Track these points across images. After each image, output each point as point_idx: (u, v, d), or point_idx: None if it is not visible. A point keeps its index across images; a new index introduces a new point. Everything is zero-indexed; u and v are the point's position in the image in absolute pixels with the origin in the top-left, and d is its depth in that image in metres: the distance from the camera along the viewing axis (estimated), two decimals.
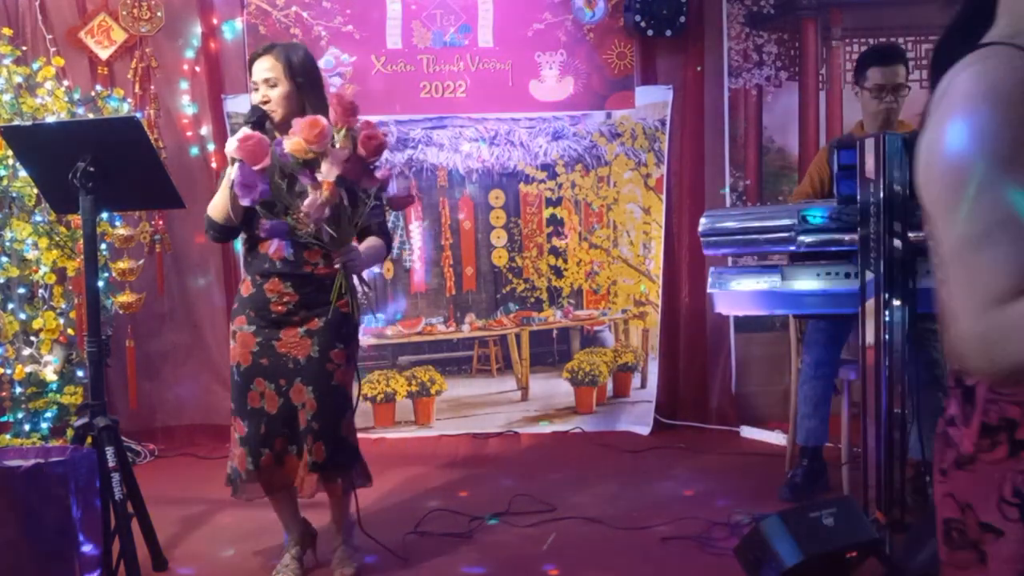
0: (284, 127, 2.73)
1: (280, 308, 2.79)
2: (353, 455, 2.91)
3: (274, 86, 2.76)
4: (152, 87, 4.61)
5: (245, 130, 2.66)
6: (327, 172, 2.52)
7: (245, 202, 2.59)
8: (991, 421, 1.14)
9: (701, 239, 3.19)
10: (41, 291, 4.16)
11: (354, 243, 2.74)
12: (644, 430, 4.78)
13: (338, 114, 2.57)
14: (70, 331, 4.20)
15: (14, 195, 4.04)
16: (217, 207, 2.84)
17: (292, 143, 2.51)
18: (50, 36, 4.50)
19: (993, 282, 1.03)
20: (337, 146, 2.55)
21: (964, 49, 1.12)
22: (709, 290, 3.17)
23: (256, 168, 2.53)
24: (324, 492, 2.89)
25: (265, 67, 2.77)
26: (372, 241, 2.85)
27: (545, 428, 4.83)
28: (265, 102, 2.77)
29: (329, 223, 2.58)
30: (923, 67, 4.73)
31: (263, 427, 2.83)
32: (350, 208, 2.63)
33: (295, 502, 3.00)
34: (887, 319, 2.68)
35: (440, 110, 4.78)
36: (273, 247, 2.77)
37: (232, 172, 2.66)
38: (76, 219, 3.87)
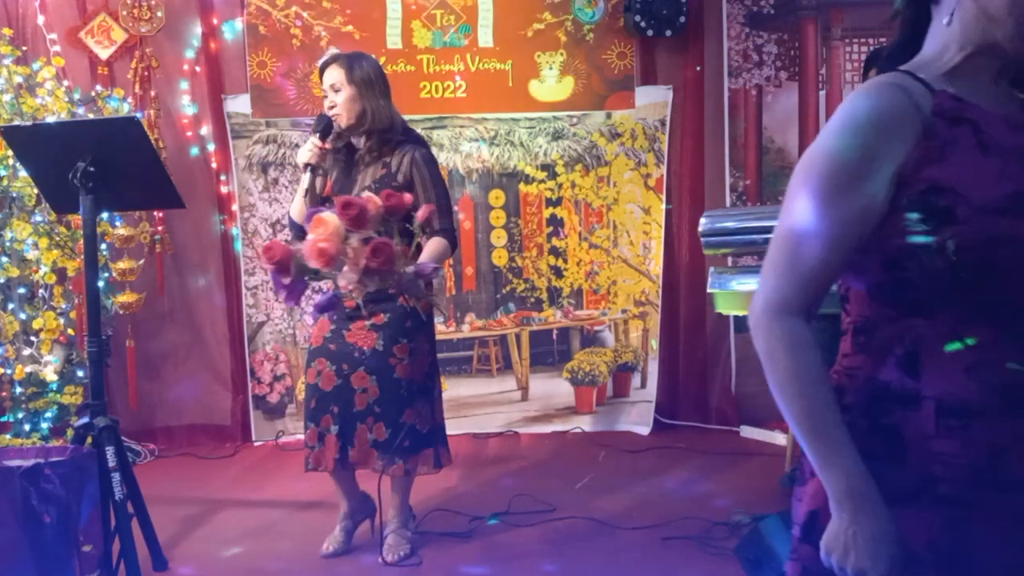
0: (352, 130, 3.00)
1: (350, 303, 2.91)
2: (420, 442, 3.02)
3: (338, 91, 2.98)
4: (152, 87, 4.61)
5: (311, 144, 2.92)
6: (347, 279, 2.48)
7: (291, 304, 2.64)
8: None
9: (701, 239, 3.20)
10: (41, 291, 4.16)
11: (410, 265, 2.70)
12: (644, 430, 4.78)
13: (346, 220, 2.48)
14: (70, 331, 4.20)
15: (14, 195, 4.04)
16: (295, 212, 3.07)
17: (308, 252, 2.43)
18: (50, 36, 4.51)
19: (784, 283, 1.21)
20: (350, 252, 2.46)
21: (886, 68, 1.25)
22: (709, 290, 3.17)
23: (286, 279, 2.50)
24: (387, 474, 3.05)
25: (331, 75, 3.00)
26: (433, 247, 2.91)
27: (545, 428, 4.84)
28: (332, 107, 2.98)
29: (375, 278, 2.54)
30: None
31: (314, 402, 3.02)
32: (401, 244, 2.58)
33: (351, 476, 3.15)
34: None
35: (440, 110, 4.78)
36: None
37: (305, 181, 2.95)
38: (76, 219, 3.87)
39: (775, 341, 1.22)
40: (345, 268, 2.47)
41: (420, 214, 2.69)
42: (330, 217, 2.45)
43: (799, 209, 1.21)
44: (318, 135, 2.96)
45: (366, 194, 2.63)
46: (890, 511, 1.16)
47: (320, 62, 3.08)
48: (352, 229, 2.46)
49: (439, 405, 3.16)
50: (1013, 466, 1.14)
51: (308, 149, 2.96)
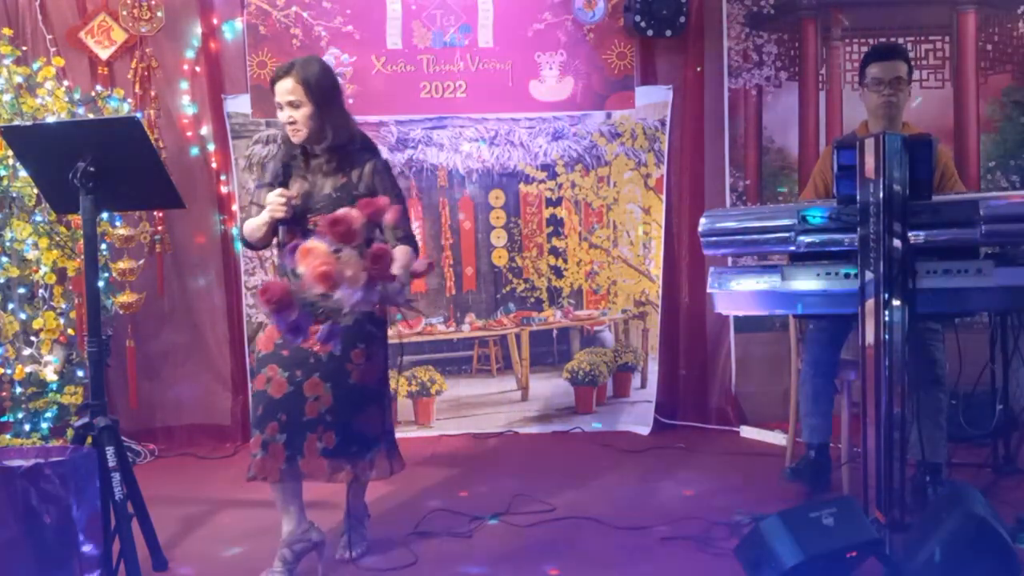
0: (311, 141, 2.94)
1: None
2: (370, 446, 2.97)
3: (297, 107, 2.89)
4: (152, 87, 4.61)
5: (277, 199, 2.86)
6: (346, 300, 2.45)
7: (298, 340, 2.59)
8: None
9: (701, 239, 3.19)
10: (41, 291, 4.16)
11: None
12: (644, 430, 4.78)
13: (337, 238, 2.46)
14: (70, 331, 4.20)
15: (14, 195, 4.04)
16: (251, 234, 3.01)
17: (310, 280, 2.43)
18: (50, 36, 4.51)
19: None
20: (348, 272, 2.45)
21: None
22: (709, 290, 3.17)
23: (290, 317, 2.48)
24: (340, 482, 2.99)
25: (287, 88, 2.89)
26: (403, 254, 2.82)
27: (545, 428, 4.84)
28: (291, 122, 2.91)
29: (377, 289, 2.54)
30: (923, 67, 4.74)
31: (261, 408, 2.91)
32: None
33: (297, 493, 2.96)
34: (887, 319, 2.68)
35: (440, 110, 4.78)
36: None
37: (268, 210, 2.88)
38: (76, 219, 3.87)
39: None
40: (344, 289, 2.44)
41: (388, 217, 2.64)
42: (316, 243, 2.44)
43: None
44: (279, 187, 2.90)
45: (343, 210, 2.54)
46: None
47: (274, 73, 2.95)
48: (341, 246, 2.44)
49: (390, 412, 3.12)
50: None
51: (277, 204, 2.86)
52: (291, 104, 2.89)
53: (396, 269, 2.64)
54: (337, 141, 2.93)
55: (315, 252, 2.43)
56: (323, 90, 2.90)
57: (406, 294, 2.73)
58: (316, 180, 2.97)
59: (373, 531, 3.28)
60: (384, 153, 4.71)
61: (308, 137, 2.93)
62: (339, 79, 3.02)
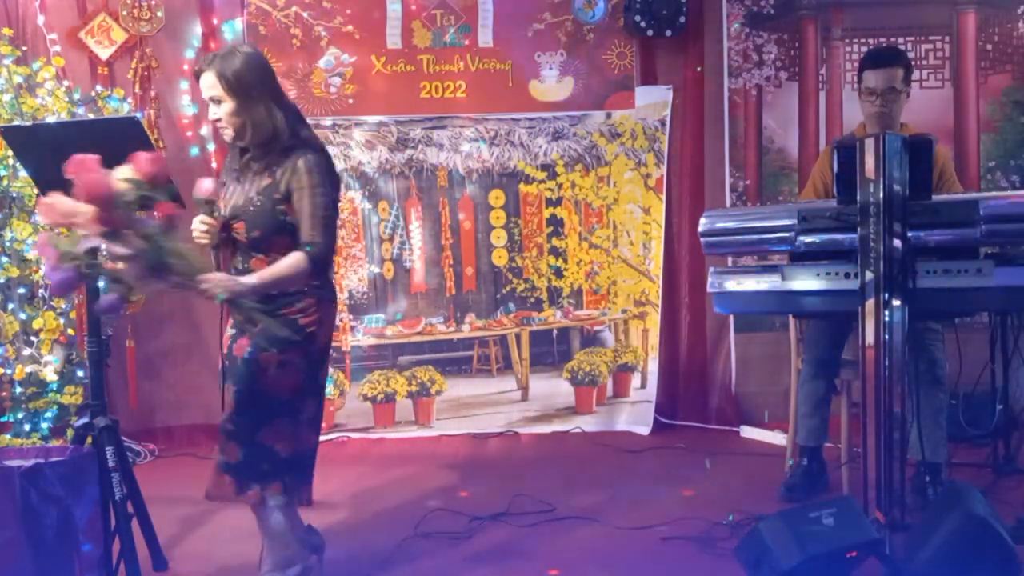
0: (239, 140, 2.65)
1: (238, 316, 2.69)
2: (281, 467, 2.62)
3: (219, 103, 2.62)
4: (152, 87, 4.61)
5: (200, 226, 2.61)
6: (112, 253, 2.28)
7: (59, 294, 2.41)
8: None
9: (701, 239, 3.19)
10: (41, 291, 4.16)
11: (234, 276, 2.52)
12: (644, 430, 4.78)
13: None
14: (70, 331, 4.20)
15: (14, 195, 4.04)
16: None
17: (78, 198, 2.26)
18: (50, 36, 4.50)
19: None
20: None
21: None
22: (709, 290, 3.17)
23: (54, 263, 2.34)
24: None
25: (208, 83, 2.62)
26: (280, 264, 2.56)
27: (545, 428, 4.84)
28: (216, 120, 2.65)
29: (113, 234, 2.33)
30: (923, 67, 4.74)
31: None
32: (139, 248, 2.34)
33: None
34: (887, 319, 2.68)
35: (440, 110, 4.78)
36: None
37: (194, 236, 2.63)
38: None
39: None
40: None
41: (161, 212, 2.40)
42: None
43: None
44: (202, 214, 2.64)
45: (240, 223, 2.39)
46: None
47: (196, 68, 2.70)
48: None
49: (309, 432, 2.69)
50: None
51: (198, 232, 2.60)
52: (213, 100, 2.63)
53: (263, 275, 2.50)
54: (258, 139, 2.62)
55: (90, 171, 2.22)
56: (244, 84, 2.60)
57: (243, 303, 2.48)
58: (247, 183, 2.67)
59: (373, 531, 3.27)
60: (383, 153, 4.76)
61: (235, 135, 2.65)
62: (269, 70, 2.68)
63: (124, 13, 4.55)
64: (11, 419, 4.12)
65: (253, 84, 2.61)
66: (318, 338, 2.65)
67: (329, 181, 2.62)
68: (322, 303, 2.64)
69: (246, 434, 2.61)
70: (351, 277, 4.80)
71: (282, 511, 2.66)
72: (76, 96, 4.29)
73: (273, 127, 2.61)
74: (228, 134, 2.66)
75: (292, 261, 2.54)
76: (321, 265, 2.61)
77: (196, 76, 2.67)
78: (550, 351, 4.93)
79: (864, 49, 4.67)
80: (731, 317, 4.74)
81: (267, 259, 2.58)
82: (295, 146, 2.62)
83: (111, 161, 2.75)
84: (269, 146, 2.62)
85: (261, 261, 2.60)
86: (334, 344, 4.67)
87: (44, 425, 4.15)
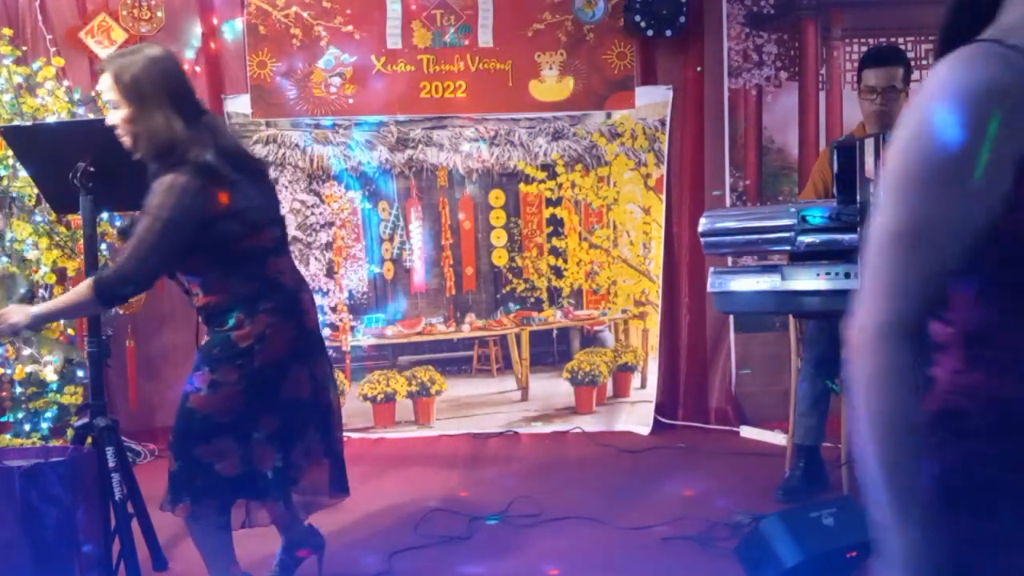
0: (136, 151, 2.46)
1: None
2: (220, 486, 2.50)
3: (116, 108, 2.44)
4: None
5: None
6: None
7: None
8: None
9: (701, 239, 3.19)
10: (41, 291, 4.16)
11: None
12: (644, 430, 4.78)
13: None
14: (70, 331, 4.20)
15: (14, 195, 4.04)
16: None
17: None
18: (50, 36, 4.50)
19: (898, 297, 1.04)
20: None
21: (962, 42, 1.07)
22: (709, 290, 3.17)
23: None
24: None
25: (105, 85, 2.43)
26: (68, 294, 2.49)
27: (543, 428, 4.84)
28: (114, 127, 2.45)
29: None
30: (923, 67, 4.73)
31: None
32: None
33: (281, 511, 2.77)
34: None
35: (440, 110, 4.78)
36: None
37: None
38: (76, 219, 3.86)
39: (881, 370, 1.06)
40: None
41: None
42: None
43: (903, 207, 1.03)
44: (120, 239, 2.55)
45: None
46: None
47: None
48: None
49: (269, 450, 2.53)
50: None
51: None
52: (111, 104, 2.43)
53: (51, 304, 2.43)
54: (152, 151, 2.42)
55: None
56: (141, 90, 2.39)
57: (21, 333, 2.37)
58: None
59: (373, 531, 3.28)
60: (383, 153, 4.76)
61: (132, 145, 2.44)
62: (175, 76, 2.46)
63: (124, 13, 4.55)
64: (11, 419, 4.12)
65: (152, 90, 2.40)
66: (256, 355, 2.46)
67: (187, 205, 2.36)
68: (258, 318, 2.47)
69: (182, 448, 2.51)
70: (351, 277, 4.80)
71: (215, 530, 2.57)
72: (76, 96, 4.29)
73: (169, 140, 2.38)
74: (127, 143, 2.46)
75: (78, 289, 2.45)
76: (109, 295, 2.43)
77: (99, 75, 2.51)
78: (550, 351, 4.93)
79: (864, 49, 4.66)
80: (731, 317, 4.74)
81: (198, 282, 2.53)
82: (179, 164, 2.38)
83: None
84: (163, 160, 2.40)
85: (194, 284, 2.55)
86: (334, 344, 4.70)
87: (44, 425, 4.15)
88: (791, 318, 3.87)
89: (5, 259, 4.03)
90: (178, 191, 2.35)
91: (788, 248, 3.03)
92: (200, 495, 2.49)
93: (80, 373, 4.19)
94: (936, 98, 1.02)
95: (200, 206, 2.38)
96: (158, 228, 2.36)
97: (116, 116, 2.44)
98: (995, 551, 1.05)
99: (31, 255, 4.02)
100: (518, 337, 4.90)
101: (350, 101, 4.74)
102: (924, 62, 4.76)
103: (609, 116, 4.84)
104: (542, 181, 4.85)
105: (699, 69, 4.82)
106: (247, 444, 2.50)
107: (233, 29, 4.70)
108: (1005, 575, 1.04)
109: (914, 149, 1.03)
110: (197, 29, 4.67)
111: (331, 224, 4.77)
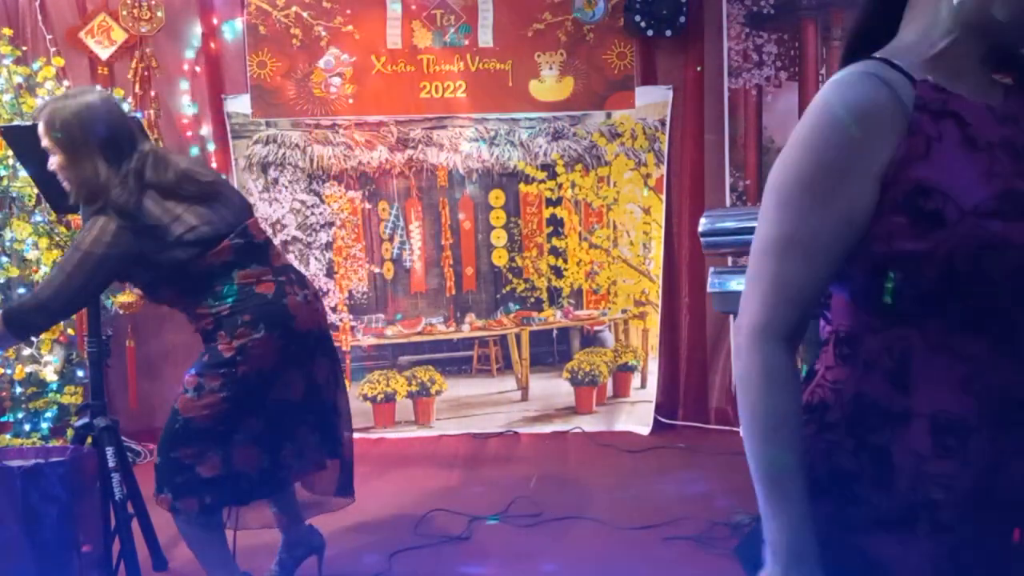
0: (74, 198, 2.49)
1: None
2: (201, 487, 2.50)
3: (53, 155, 2.47)
4: (152, 87, 4.61)
5: None
6: None
7: None
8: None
9: (701, 239, 3.19)
10: None
11: None
12: (644, 430, 4.78)
13: None
14: (70, 331, 4.20)
15: (14, 195, 4.04)
16: None
17: None
18: (50, 36, 4.51)
19: (770, 303, 1.12)
20: None
21: (863, 51, 1.15)
22: (709, 290, 3.17)
23: None
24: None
25: (40, 132, 2.47)
26: None
27: (545, 428, 4.84)
28: (54, 172, 2.49)
29: None
30: None
31: None
32: None
33: (287, 505, 2.84)
34: None
35: (440, 110, 4.78)
36: None
37: None
38: (76, 219, 3.87)
39: (753, 369, 1.13)
40: None
41: None
42: None
43: (779, 218, 1.11)
44: None
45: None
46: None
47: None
48: None
49: (252, 453, 2.53)
50: (1009, 485, 1.08)
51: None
52: (48, 151, 2.47)
53: None
54: (82, 199, 2.44)
55: None
56: (71, 138, 2.41)
57: None
58: None
59: (373, 531, 3.28)
60: (383, 153, 4.76)
61: (69, 191, 2.48)
62: (109, 122, 2.46)
63: (124, 13, 4.56)
64: (11, 419, 4.12)
65: (82, 138, 2.42)
66: (238, 365, 2.49)
67: (107, 242, 2.41)
68: (239, 332, 2.50)
69: (165, 447, 2.54)
70: (351, 277, 4.81)
71: (200, 527, 2.58)
72: None
73: (96, 188, 2.41)
74: (66, 187, 2.50)
75: None
76: (20, 323, 2.44)
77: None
78: (550, 351, 4.93)
79: None
80: (731, 317, 4.74)
81: (184, 315, 2.71)
82: (102, 209, 2.42)
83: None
84: (90, 206, 2.43)
85: (185, 316, 2.71)
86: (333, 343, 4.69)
87: (44, 425, 4.15)
88: None
89: (5, 259, 4.03)
90: (98, 229, 2.41)
91: None
92: (180, 492, 2.52)
93: (80, 373, 4.19)
94: (812, 115, 1.09)
95: (124, 242, 2.43)
96: (76, 259, 2.42)
97: (52, 162, 2.48)
98: (854, 536, 1.13)
99: (31, 255, 4.02)
100: (518, 337, 4.90)
101: (350, 101, 4.74)
102: None
103: (609, 116, 4.84)
104: (542, 181, 4.85)
105: (699, 69, 4.82)
106: (227, 448, 2.51)
107: (233, 29, 4.70)
108: (863, 556, 1.12)
109: (790, 162, 1.10)
110: (197, 29, 4.67)
111: (331, 224, 4.77)
